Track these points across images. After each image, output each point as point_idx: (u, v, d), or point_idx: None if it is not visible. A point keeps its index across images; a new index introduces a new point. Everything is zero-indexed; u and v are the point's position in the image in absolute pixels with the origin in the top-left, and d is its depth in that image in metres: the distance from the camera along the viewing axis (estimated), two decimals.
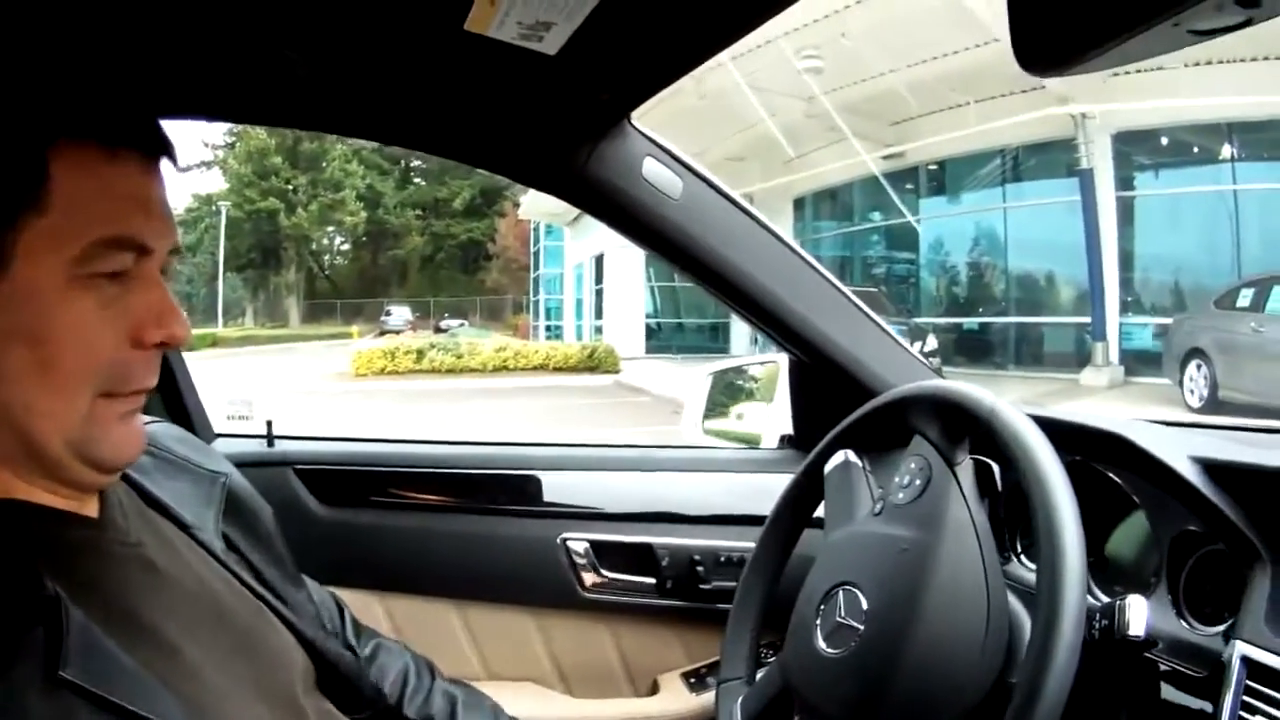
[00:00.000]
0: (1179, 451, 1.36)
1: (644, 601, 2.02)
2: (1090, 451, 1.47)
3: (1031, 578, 1.41)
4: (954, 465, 1.21)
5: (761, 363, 2.06)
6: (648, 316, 27.15)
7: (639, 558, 2.01)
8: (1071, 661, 0.99)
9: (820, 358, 1.88)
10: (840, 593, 1.23)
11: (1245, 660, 1.19)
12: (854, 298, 1.90)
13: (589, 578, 2.01)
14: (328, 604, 1.41)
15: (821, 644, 1.23)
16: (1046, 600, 1.02)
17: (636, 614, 2.05)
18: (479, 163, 1.74)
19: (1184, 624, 1.33)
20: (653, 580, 2.01)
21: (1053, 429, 1.16)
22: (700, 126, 16.93)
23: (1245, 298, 12.76)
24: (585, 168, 1.62)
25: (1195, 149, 16.08)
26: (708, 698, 2.01)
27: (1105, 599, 1.29)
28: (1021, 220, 18.23)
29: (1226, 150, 15.47)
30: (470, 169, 46.32)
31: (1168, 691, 1.29)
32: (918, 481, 1.23)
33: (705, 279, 1.78)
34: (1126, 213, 16.43)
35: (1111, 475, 1.47)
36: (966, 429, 1.22)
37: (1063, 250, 17.04)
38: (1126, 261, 16.52)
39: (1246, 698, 1.17)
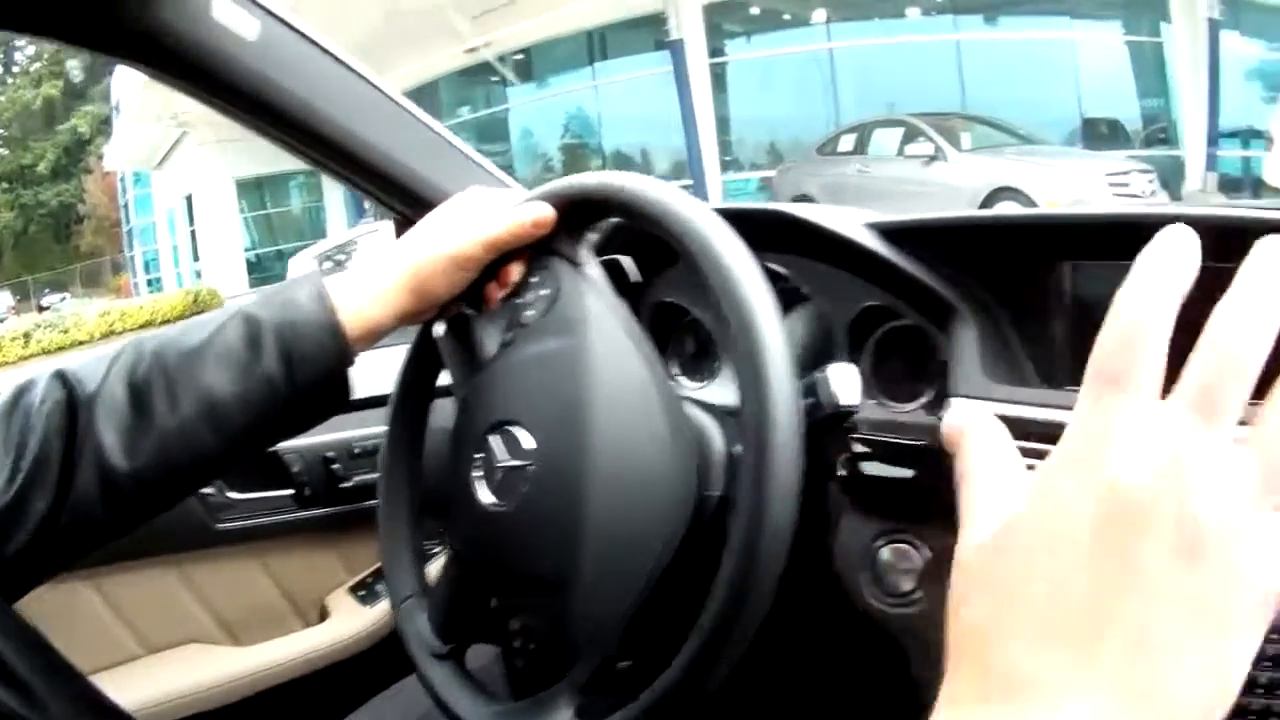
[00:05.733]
0: (853, 221, 1.26)
1: (286, 518, 1.80)
2: (749, 240, 1.34)
3: (699, 394, 1.29)
4: (581, 265, 1.02)
5: (367, 234, 1.82)
6: (246, 250, 26.43)
7: (267, 469, 1.77)
8: (794, 457, 0.83)
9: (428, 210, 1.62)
10: (493, 438, 1.01)
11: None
12: (460, 143, 1.66)
13: (218, 505, 1.75)
14: None
15: (489, 502, 1.00)
16: (751, 379, 0.85)
17: (283, 535, 1.82)
18: (14, 24, 1.37)
19: (878, 404, 1.28)
20: (290, 491, 1.79)
21: None
22: None
23: (847, 143, 13.79)
24: (145, 14, 1.27)
25: (787, 15, 16.87)
26: (382, 608, 1.84)
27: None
28: (613, 97, 18.54)
29: (820, 15, 16.35)
30: (49, 127, 43.36)
31: (873, 468, 1.22)
32: (545, 292, 1.03)
33: (290, 133, 1.47)
34: (720, 80, 17.09)
35: (774, 268, 1.34)
36: (586, 218, 1.04)
37: (658, 122, 17.54)
38: (724, 125, 17.29)
39: None
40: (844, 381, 0.97)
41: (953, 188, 11.85)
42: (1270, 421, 0.45)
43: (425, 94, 20.74)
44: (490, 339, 1.09)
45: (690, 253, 0.91)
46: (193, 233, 27.11)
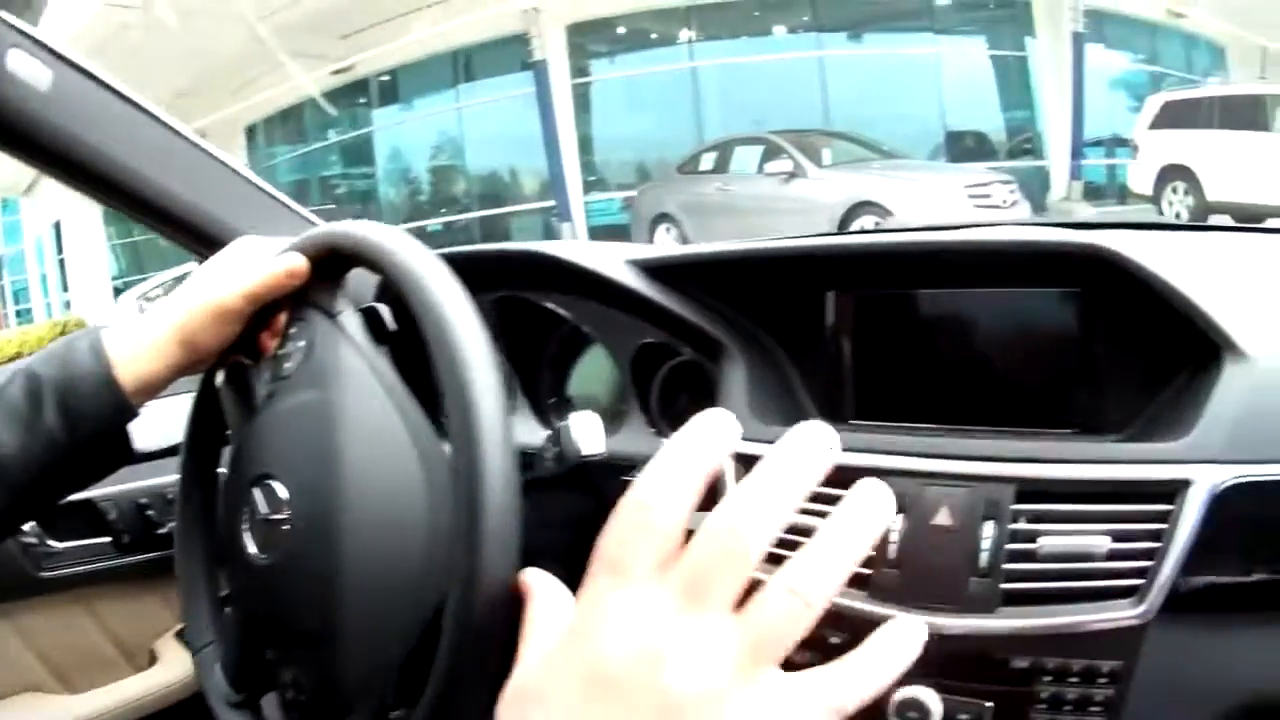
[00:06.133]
0: (614, 259, 1.27)
1: (108, 565, 1.77)
2: (520, 281, 1.35)
3: None
4: (335, 315, 1.01)
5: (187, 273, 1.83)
6: (114, 278, 25.67)
7: (86, 518, 1.75)
8: (509, 506, 0.82)
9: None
10: (255, 490, 1.00)
11: (737, 457, 1.11)
12: (261, 183, 1.64)
13: (40, 555, 1.72)
14: None
15: (254, 554, 0.99)
16: (460, 431, 0.83)
17: (107, 582, 1.80)
18: None
19: (665, 441, 1.27)
20: (109, 539, 1.77)
21: (472, 262, 1.00)
22: (149, 63, 15.92)
23: (708, 161, 13.78)
24: None
25: (654, 34, 16.95)
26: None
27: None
28: (481, 119, 18.36)
29: (685, 34, 16.45)
30: None
31: None
32: (300, 344, 1.02)
33: (87, 181, 1.46)
34: (582, 99, 17.14)
35: (551, 307, 1.36)
36: (339, 268, 1.04)
37: (522, 142, 17.41)
38: (587, 145, 17.28)
39: None
40: (585, 430, 0.99)
41: (812, 204, 11.88)
42: (761, 598, 0.49)
43: (291, 118, 20.47)
44: (261, 390, 1.08)
45: (411, 304, 0.91)
46: (61, 261, 26.27)
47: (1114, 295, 1.08)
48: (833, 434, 0.53)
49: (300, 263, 1.03)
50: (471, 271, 0.95)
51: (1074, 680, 1.00)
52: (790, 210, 11.97)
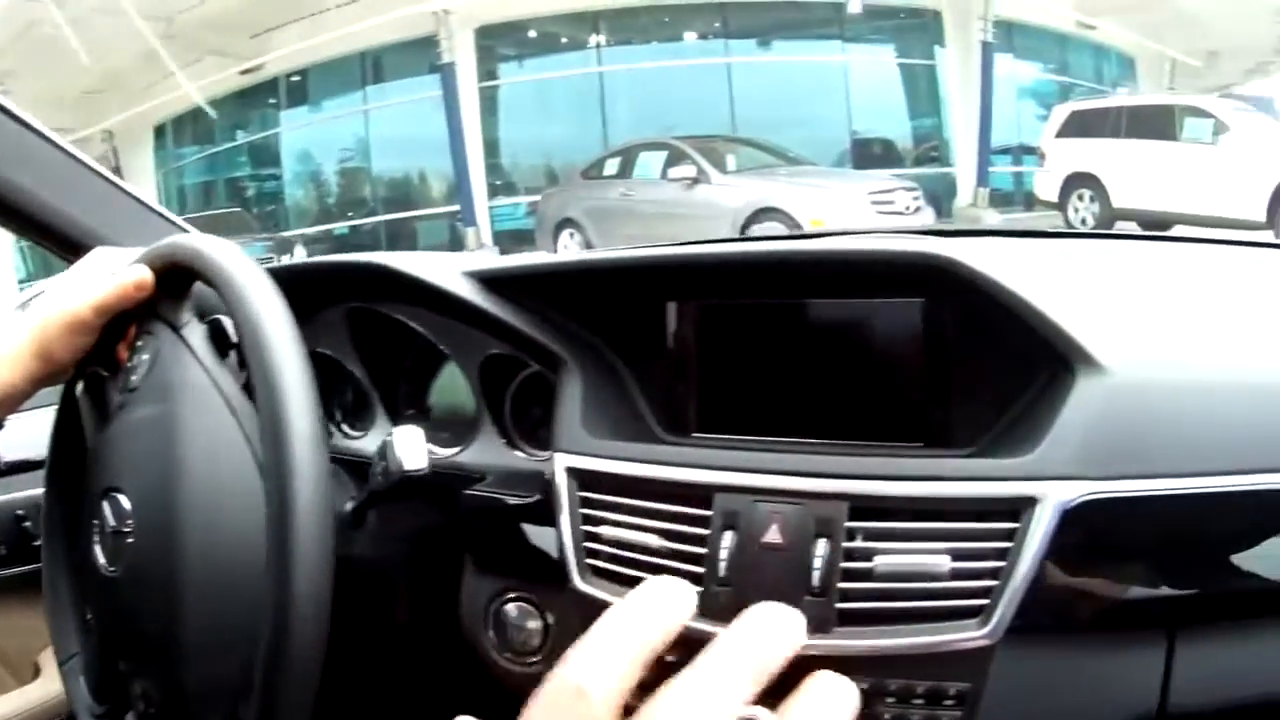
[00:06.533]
0: (451, 270, 1.25)
1: None
2: (367, 293, 1.34)
3: (359, 443, 1.30)
4: (179, 328, 1.01)
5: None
6: (21, 280, 25.09)
7: None
8: (317, 533, 0.84)
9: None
10: (104, 503, 1.00)
11: (571, 471, 1.12)
12: (130, 189, 1.62)
13: None
14: None
15: (103, 565, 0.99)
16: (271, 453, 0.85)
17: None
18: None
19: (519, 454, 1.28)
20: None
21: (315, 274, 1.01)
22: (59, 60, 15.60)
23: (613, 166, 13.73)
24: None
25: (563, 38, 16.93)
26: None
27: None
28: (385, 121, 18.21)
29: (594, 39, 16.44)
30: None
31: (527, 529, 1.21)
32: (145, 356, 1.02)
33: None
34: (491, 103, 17.13)
35: (401, 319, 1.36)
36: (182, 281, 1.04)
37: (429, 145, 17.29)
38: (493, 149, 17.22)
39: (586, 510, 1.11)
40: (408, 446, 1.00)
41: (715, 209, 11.84)
42: None
43: (200, 118, 20.02)
44: (114, 401, 1.08)
45: (235, 319, 0.93)
46: None
47: (964, 306, 1.05)
48: (800, 619, 0.46)
49: (146, 275, 1.04)
50: (318, 284, 0.95)
51: (919, 702, 0.97)
52: (692, 215, 11.94)
